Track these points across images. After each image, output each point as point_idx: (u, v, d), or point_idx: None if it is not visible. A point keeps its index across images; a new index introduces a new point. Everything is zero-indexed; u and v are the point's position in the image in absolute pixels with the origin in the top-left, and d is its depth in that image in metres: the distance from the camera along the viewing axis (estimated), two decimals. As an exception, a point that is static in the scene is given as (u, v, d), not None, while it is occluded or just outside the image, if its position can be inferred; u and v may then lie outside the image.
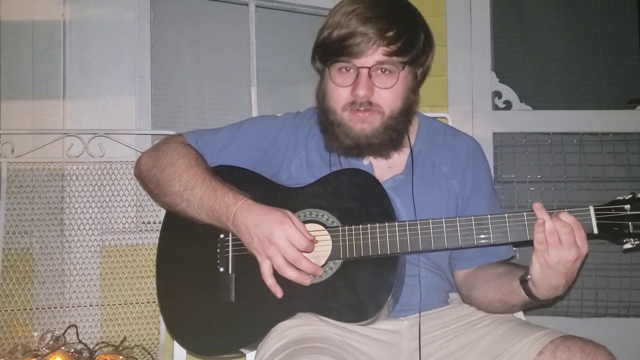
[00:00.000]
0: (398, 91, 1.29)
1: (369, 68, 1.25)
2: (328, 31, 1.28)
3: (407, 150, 1.38)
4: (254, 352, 1.31)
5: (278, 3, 2.31)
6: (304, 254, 1.22)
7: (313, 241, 1.23)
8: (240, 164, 1.42)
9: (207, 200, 1.28)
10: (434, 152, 1.41)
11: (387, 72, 1.27)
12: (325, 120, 1.34)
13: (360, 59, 1.25)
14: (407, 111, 1.34)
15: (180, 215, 1.35)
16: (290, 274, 1.21)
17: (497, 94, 2.42)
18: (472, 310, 1.34)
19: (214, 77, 2.29)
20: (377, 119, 1.29)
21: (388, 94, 1.28)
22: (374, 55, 1.24)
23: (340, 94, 1.30)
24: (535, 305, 1.24)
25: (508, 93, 2.42)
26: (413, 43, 1.27)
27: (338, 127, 1.31)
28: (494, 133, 2.34)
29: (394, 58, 1.25)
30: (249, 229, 1.23)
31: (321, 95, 1.36)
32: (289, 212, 1.25)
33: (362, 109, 1.28)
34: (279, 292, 1.24)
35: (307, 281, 1.22)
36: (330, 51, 1.28)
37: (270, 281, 1.23)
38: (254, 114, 2.23)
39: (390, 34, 1.23)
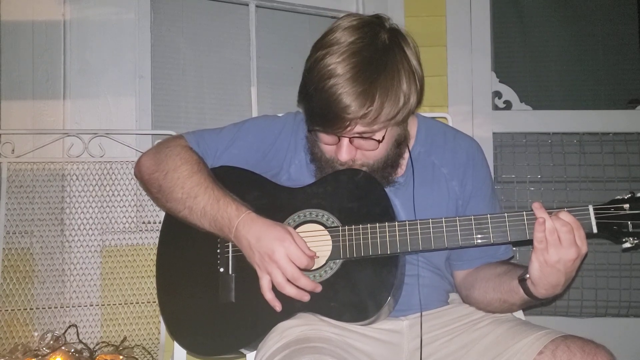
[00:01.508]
0: (382, 147, 1.27)
1: (350, 137, 1.24)
2: (311, 88, 1.22)
3: (406, 155, 1.38)
4: (254, 352, 1.32)
5: (278, 3, 2.31)
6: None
7: (313, 257, 1.24)
8: (241, 165, 1.42)
9: (209, 210, 1.28)
10: (434, 153, 1.41)
11: (368, 138, 1.25)
12: (314, 153, 1.34)
13: (340, 132, 1.22)
14: (397, 150, 1.33)
15: (182, 221, 1.35)
16: (289, 290, 1.22)
17: (497, 94, 2.42)
18: (472, 310, 1.34)
19: (214, 77, 2.29)
20: (362, 170, 1.29)
21: (371, 153, 1.27)
22: (354, 128, 1.21)
23: (326, 147, 1.30)
24: (534, 305, 1.24)
25: (508, 93, 2.42)
26: (395, 108, 1.22)
27: (326, 165, 1.32)
28: (494, 133, 2.34)
29: (374, 127, 1.22)
30: (250, 243, 1.23)
31: (309, 134, 1.35)
32: (291, 229, 1.25)
33: (345, 165, 1.28)
34: (277, 306, 1.24)
35: (305, 298, 1.22)
36: (310, 117, 1.26)
37: (269, 295, 1.23)
38: (254, 114, 2.23)
39: (370, 109, 1.18)
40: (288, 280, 1.21)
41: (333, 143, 1.28)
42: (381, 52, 1.22)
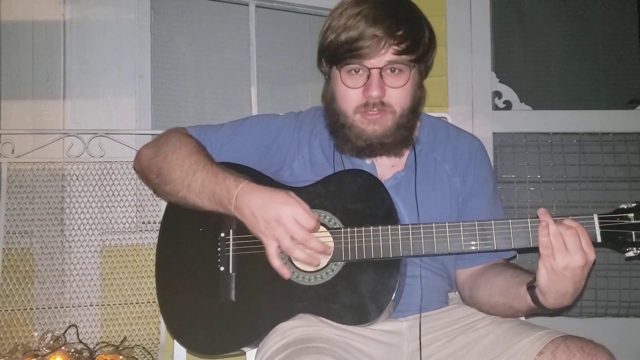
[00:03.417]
0: (408, 89, 1.30)
1: (380, 68, 1.25)
2: (335, 34, 1.27)
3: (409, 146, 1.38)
4: (255, 350, 1.32)
5: (278, 3, 2.31)
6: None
7: (318, 219, 1.23)
8: (241, 161, 1.41)
9: (208, 184, 1.27)
10: (436, 149, 1.41)
11: (397, 71, 1.28)
12: (335, 122, 1.34)
13: (372, 60, 1.25)
14: (416, 108, 1.35)
15: (181, 204, 1.34)
16: (299, 254, 1.21)
17: (497, 94, 2.42)
18: (473, 311, 1.34)
19: (214, 77, 2.29)
20: (389, 118, 1.30)
21: (399, 93, 1.28)
22: (385, 55, 1.25)
23: (351, 96, 1.30)
24: (539, 313, 1.22)
25: (508, 93, 2.42)
26: (420, 40, 1.28)
27: (349, 129, 1.31)
28: (494, 133, 2.34)
29: (404, 57, 1.26)
30: (254, 212, 1.21)
31: (329, 97, 1.36)
32: (292, 193, 1.24)
33: (374, 110, 1.28)
34: (286, 273, 1.23)
35: (315, 262, 1.22)
36: (339, 53, 1.28)
37: (277, 262, 1.22)
38: (254, 113, 2.23)
39: (400, 32, 1.24)
40: (296, 245, 1.20)
41: (361, 84, 1.28)
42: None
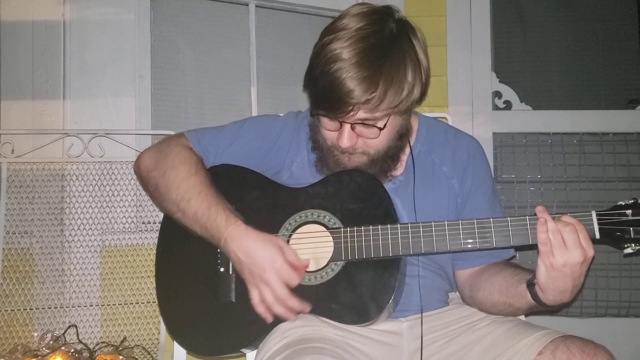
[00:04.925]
0: (383, 136, 1.27)
1: (352, 124, 1.24)
2: (317, 69, 1.22)
3: (407, 151, 1.38)
4: (254, 351, 1.32)
5: (278, 3, 2.31)
6: None
7: (305, 268, 1.24)
8: (242, 163, 1.41)
9: (200, 216, 1.27)
10: (434, 151, 1.41)
11: (370, 125, 1.24)
12: (316, 141, 1.35)
13: (342, 117, 1.22)
14: (398, 142, 1.32)
15: (178, 223, 1.35)
16: (277, 309, 1.22)
17: (497, 94, 2.42)
18: (473, 311, 1.34)
19: (214, 77, 2.29)
20: (363, 159, 1.29)
21: (373, 142, 1.27)
22: (357, 114, 1.21)
23: (327, 134, 1.30)
24: (540, 310, 1.23)
25: (508, 93, 2.42)
26: (398, 96, 1.21)
27: (327, 154, 1.31)
28: (494, 133, 2.34)
29: (377, 114, 1.22)
30: (240, 259, 1.23)
31: (313, 122, 1.35)
32: (281, 242, 1.25)
33: (346, 153, 1.28)
34: (269, 319, 1.24)
35: (292, 317, 1.23)
36: (314, 101, 1.27)
37: (261, 309, 1.24)
38: (254, 114, 2.23)
39: (374, 95, 1.18)
40: (277, 299, 1.21)
41: (335, 129, 1.27)
42: (388, 40, 1.22)
